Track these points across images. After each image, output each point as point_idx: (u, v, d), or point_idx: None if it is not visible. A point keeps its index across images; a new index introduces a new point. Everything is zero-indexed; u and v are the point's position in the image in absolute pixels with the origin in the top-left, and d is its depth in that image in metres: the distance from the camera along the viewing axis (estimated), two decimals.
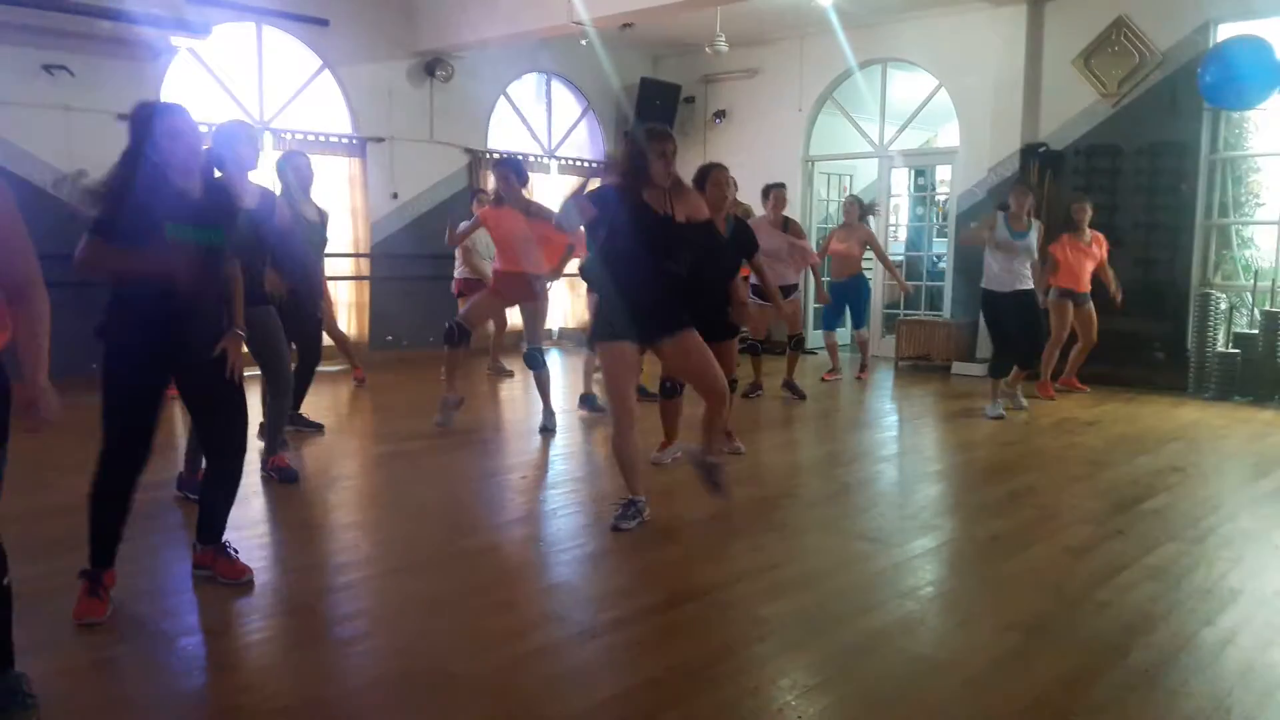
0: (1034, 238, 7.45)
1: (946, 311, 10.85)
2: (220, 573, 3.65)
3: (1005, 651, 3.18)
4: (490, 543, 4.50)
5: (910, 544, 4.38)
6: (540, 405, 6.79)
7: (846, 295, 9.51)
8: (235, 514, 4.05)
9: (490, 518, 4.93)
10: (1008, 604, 3.66)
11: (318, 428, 6.56)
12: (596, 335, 4.48)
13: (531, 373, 6.74)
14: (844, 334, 10.51)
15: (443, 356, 6.75)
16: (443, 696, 2.83)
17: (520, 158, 11.58)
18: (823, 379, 9.27)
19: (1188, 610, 3.56)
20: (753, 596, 3.69)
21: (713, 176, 5.48)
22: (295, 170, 5.89)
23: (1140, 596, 3.69)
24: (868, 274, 10.21)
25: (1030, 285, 7.50)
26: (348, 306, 10.39)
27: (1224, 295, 8.88)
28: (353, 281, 10.39)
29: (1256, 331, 8.40)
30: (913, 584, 3.91)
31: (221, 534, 3.71)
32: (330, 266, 10.02)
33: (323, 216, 6.16)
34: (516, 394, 8.63)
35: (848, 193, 11.45)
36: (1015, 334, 7.47)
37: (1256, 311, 8.76)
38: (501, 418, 7.63)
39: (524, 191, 6.63)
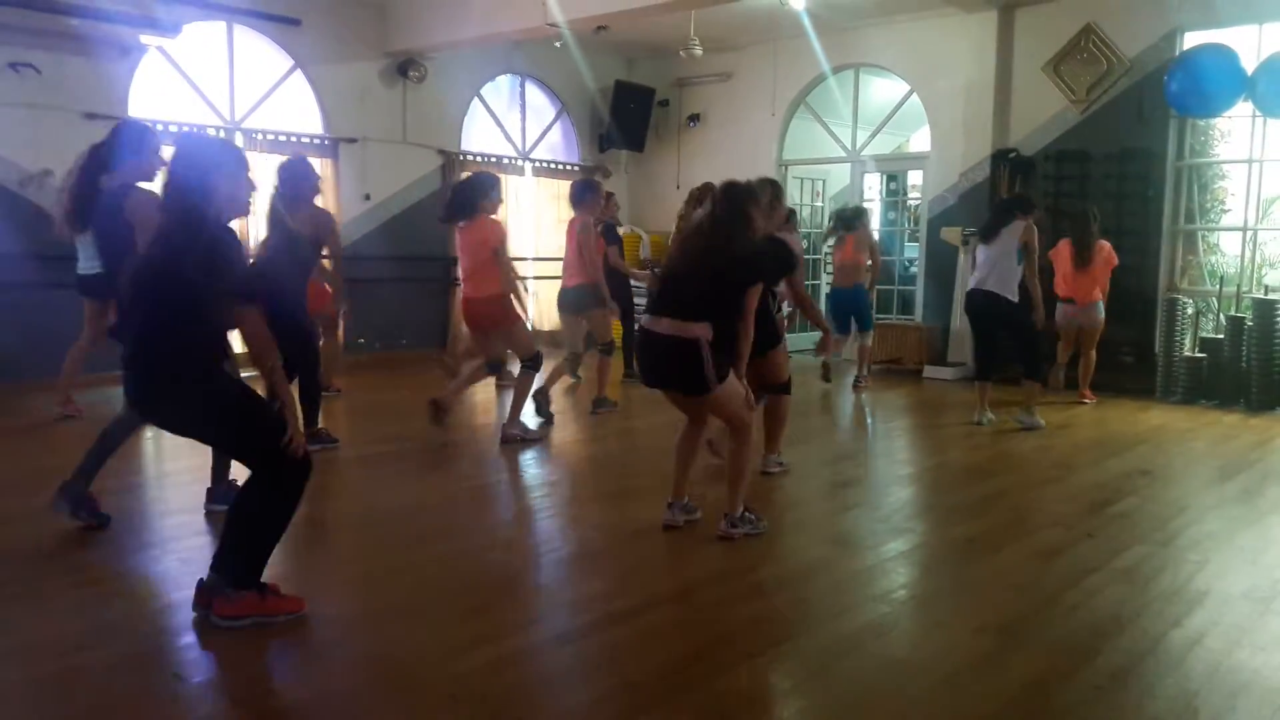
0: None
1: (918, 315, 10.93)
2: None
3: (977, 654, 3.21)
4: (466, 547, 4.47)
5: (883, 547, 4.41)
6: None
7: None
8: (198, 519, 3.99)
9: (466, 521, 4.91)
10: (980, 607, 3.69)
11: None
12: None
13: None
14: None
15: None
16: (418, 702, 2.81)
17: (495, 159, 11.59)
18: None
19: (1155, 612, 3.60)
20: (728, 599, 3.70)
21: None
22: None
23: (1109, 599, 3.73)
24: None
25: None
26: None
27: (1190, 300, 9.01)
28: None
29: (1222, 336, 8.53)
30: (886, 587, 3.93)
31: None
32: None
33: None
34: (492, 397, 8.59)
35: (851, 204, 11.24)
36: None
37: (1222, 316, 8.90)
38: (477, 422, 7.60)
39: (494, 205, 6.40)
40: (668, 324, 4.19)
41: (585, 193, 7.51)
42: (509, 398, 6.60)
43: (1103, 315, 8.32)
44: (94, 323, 6.57)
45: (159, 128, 8.78)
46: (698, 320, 4.14)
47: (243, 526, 3.31)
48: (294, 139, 9.92)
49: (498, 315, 6.32)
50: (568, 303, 7.59)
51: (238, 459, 3.28)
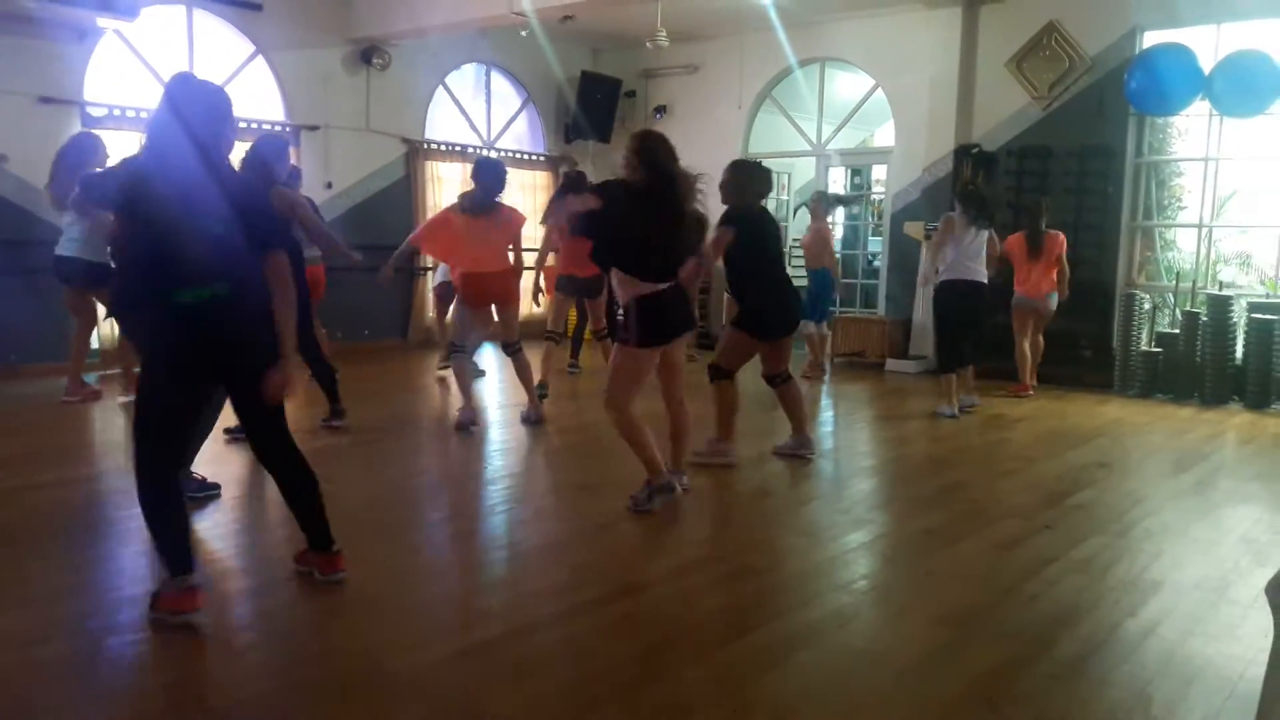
0: None
1: (881, 309, 11.01)
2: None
3: (937, 644, 3.24)
4: (426, 539, 4.46)
5: (844, 538, 4.44)
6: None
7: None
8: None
9: (427, 514, 4.89)
10: (939, 597, 3.72)
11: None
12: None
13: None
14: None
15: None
16: (380, 695, 2.79)
17: (460, 148, 11.51)
18: (803, 375, 9.24)
19: (1111, 602, 3.66)
20: (690, 591, 3.70)
21: None
22: None
23: (1066, 589, 3.78)
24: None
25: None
26: None
27: (1147, 295, 9.16)
28: None
29: (1178, 331, 8.67)
30: (847, 578, 3.96)
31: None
32: None
33: None
34: (453, 389, 8.53)
35: (817, 190, 11.31)
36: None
37: (1178, 312, 9.04)
38: (438, 413, 7.56)
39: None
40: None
41: (581, 189, 7.70)
42: (451, 386, 6.80)
43: (1054, 305, 8.41)
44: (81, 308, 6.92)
45: (115, 113, 8.69)
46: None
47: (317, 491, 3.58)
48: (255, 125, 9.76)
49: (509, 290, 6.57)
50: (583, 289, 7.94)
51: (275, 418, 3.43)
